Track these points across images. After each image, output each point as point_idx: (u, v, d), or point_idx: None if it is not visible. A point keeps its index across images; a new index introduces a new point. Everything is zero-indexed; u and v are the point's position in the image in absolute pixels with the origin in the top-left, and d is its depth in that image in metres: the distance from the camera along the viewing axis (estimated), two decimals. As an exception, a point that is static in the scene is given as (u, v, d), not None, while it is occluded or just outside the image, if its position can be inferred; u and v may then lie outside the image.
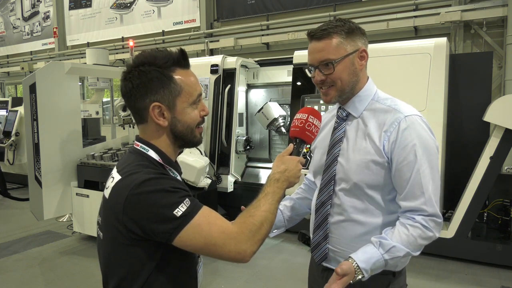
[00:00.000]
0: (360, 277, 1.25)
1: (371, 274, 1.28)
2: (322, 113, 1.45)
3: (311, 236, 1.53)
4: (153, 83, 1.15)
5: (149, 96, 1.16)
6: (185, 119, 1.20)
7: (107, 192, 1.18)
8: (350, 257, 1.27)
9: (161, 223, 1.07)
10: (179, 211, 1.07)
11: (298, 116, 1.39)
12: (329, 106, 4.01)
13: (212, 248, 1.09)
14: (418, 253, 1.31)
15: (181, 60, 1.19)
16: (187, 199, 1.10)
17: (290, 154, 1.33)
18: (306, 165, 3.77)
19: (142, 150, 1.21)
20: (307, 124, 1.35)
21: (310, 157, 4.32)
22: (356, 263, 1.25)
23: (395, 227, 1.31)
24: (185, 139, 1.23)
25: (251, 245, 1.11)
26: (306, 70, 1.42)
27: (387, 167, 1.33)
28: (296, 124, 1.38)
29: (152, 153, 1.20)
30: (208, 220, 1.10)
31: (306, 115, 1.37)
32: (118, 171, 1.18)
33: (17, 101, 8.18)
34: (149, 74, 1.15)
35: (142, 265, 1.13)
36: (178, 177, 1.26)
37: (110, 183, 1.18)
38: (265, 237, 1.16)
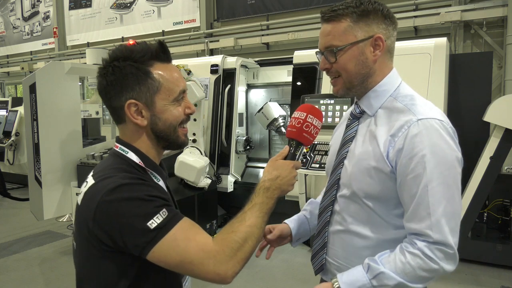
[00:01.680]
0: None
1: None
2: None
3: (312, 243, 1.40)
4: (128, 79, 1.06)
5: (125, 93, 1.07)
6: (166, 117, 1.09)
7: (79, 198, 1.07)
8: (335, 276, 1.14)
9: (133, 235, 0.96)
10: (154, 222, 0.96)
11: (296, 114, 1.24)
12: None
13: (188, 267, 0.98)
14: (420, 285, 1.09)
15: (160, 53, 1.09)
16: (164, 209, 0.99)
17: (285, 158, 1.20)
18: (307, 166, 3.78)
19: (121, 152, 1.11)
20: (305, 124, 1.21)
21: (310, 157, 4.30)
22: (338, 285, 1.11)
23: (394, 251, 1.12)
24: (168, 139, 1.12)
25: (233, 265, 1.00)
26: (317, 56, 1.26)
27: (391, 177, 1.13)
28: (293, 123, 1.23)
29: (132, 155, 1.10)
30: (186, 234, 0.99)
31: (305, 114, 1.22)
32: (92, 175, 1.09)
33: (17, 101, 8.18)
34: (124, 70, 1.06)
35: (115, 280, 1.03)
36: (161, 182, 1.15)
37: (83, 188, 1.08)
38: (250, 255, 1.04)
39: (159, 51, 1.09)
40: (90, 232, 1.01)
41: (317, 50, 1.25)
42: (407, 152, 1.09)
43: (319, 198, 1.51)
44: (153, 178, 1.13)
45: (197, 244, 0.99)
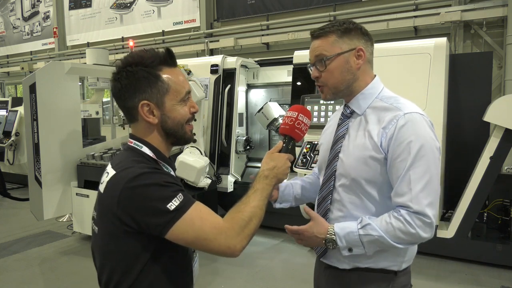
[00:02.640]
0: (332, 237, 1.32)
1: (347, 246, 1.32)
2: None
3: None
4: (141, 82, 1.18)
5: (138, 95, 1.19)
6: (175, 116, 1.23)
7: (102, 187, 1.21)
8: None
9: (155, 216, 1.09)
10: (172, 205, 1.09)
11: (288, 113, 1.43)
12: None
13: (203, 243, 1.12)
14: (400, 246, 1.30)
15: (168, 59, 1.22)
16: (180, 194, 1.12)
17: (279, 151, 1.37)
18: (307, 165, 3.79)
19: (136, 146, 1.24)
20: (297, 122, 1.39)
21: (310, 157, 4.31)
22: (332, 226, 1.34)
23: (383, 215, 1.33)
24: (176, 135, 1.25)
25: (241, 240, 1.14)
26: (309, 69, 1.47)
27: (384, 163, 1.33)
28: (286, 121, 1.42)
29: (145, 149, 1.23)
30: (200, 214, 1.13)
31: (296, 113, 1.40)
32: (112, 167, 1.21)
33: (17, 101, 8.18)
34: (137, 74, 1.18)
35: (136, 258, 1.15)
36: (172, 173, 1.29)
37: (105, 178, 1.20)
38: (254, 232, 1.18)
39: (166, 57, 1.22)
40: (114, 216, 1.13)
41: (308, 64, 1.46)
42: (396, 140, 1.30)
43: (307, 176, 1.74)
44: (165, 169, 1.26)
45: (210, 222, 1.13)
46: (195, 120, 4.70)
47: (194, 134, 4.53)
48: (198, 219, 1.12)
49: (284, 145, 1.39)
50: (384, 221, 1.29)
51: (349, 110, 1.46)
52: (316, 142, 3.83)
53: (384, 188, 1.35)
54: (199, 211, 1.13)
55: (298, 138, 1.42)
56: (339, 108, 1.59)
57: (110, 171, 1.19)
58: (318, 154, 3.93)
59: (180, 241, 1.12)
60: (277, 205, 1.62)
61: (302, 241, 1.41)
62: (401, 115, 1.31)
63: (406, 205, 1.27)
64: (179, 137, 1.26)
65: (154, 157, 1.23)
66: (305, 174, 4.15)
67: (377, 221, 1.31)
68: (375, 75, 1.47)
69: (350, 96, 1.45)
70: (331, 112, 4.01)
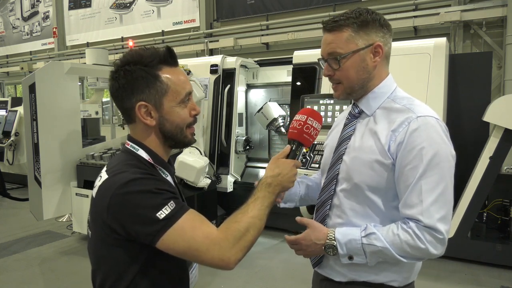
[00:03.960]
0: (332, 243, 1.22)
1: (348, 254, 1.22)
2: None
3: None
4: (138, 82, 1.13)
5: (135, 95, 1.14)
6: (174, 119, 1.17)
7: (94, 191, 1.17)
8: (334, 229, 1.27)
9: (144, 224, 1.04)
10: (162, 213, 1.04)
11: (297, 117, 1.33)
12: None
13: (195, 254, 1.06)
14: (405, 260, 1.19)
15: (168, 58, 1.16)
16: (172, 202, 1.06)
17: (286, 157, 1.28)
18: (306, 165, 3.79)
19: (132, 149, 1.19)
20: (305, 126, 1.29)
21: (310, 157, 4.30)
22: (333, 230, 1.24)
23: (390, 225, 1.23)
24: (175, 139, 1.20)
25: (236, 252, 1.07)
26: (320, 62, 1.34)
27: (391, 169, 1.21)
28: (295, 125, 1.32)
29: (142, 153, 1.18)
30: (192, 224, 1.07)
31: (305, 116, 1.30)
32: (106, 170, 1.17)
33: (16, 101, 8.17)
34: (135, 73, 1.13)
35: (126, 266, 1.12)
36: (169, 178, 1.23)
37: (98, 182, 1.16)
38: (251, 244, 1.11)
39: (167, 55, 1.16)
40: (104, 223, 1.09)
41: (320, 57, 1.33)
42: (406, 145, 1.18)
43: (313, 176, 1.62)
44: (162, 173, 1.21)
45: (203, 232, 1.06)
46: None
47: (194, 134, 4.54)
48: (190, 229, 1.05)
49: (291, 150, 1.29)
50: (391, 232, 1.18)
51: (358, 109, 1.35)
52: (316, 143, 3.83)
53: (389, 196, 1.24)
54: (191, 220, 1.07)
55: (307, 144, 1.30)
56: (347, 108, 1.46)
57: (103, 175, 1.15)
58: (318, 154, 3.94)
59: (171, 251, 1.06)
60: (282, 205, 1.50)
61: (301, 251, 1.33)
62: (414, 117, 1.19)
63: (416, 218, 1.16)
64: (178, 140, 1.21)
65: (150, 160, 1.18)
66: (305, 175, 4.17)
67: (383, 230, 1.20)
68: (388, 73, 1.34)
69: (363, 95, 1.33)
70: (331, 112, 4.01)
